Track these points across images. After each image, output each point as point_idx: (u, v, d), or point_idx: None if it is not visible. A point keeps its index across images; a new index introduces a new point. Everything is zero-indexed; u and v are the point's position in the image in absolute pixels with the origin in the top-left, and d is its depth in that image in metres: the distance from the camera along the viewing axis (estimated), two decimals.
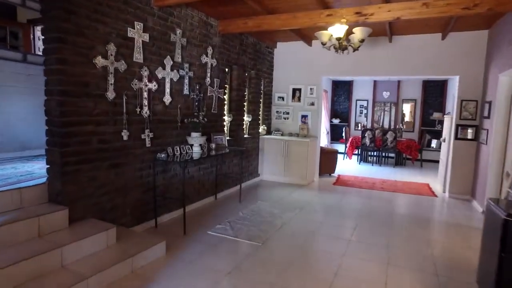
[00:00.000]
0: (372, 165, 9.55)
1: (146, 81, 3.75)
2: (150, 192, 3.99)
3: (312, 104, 7.04)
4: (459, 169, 6.07)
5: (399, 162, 9.64)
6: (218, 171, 5.42)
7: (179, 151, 4.27)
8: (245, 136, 6.33)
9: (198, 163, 4.73)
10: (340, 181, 7.13)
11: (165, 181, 4.24)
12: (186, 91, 4.45)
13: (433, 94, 11.11)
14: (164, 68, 4.03)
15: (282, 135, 7.10)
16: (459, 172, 6.07)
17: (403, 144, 9.39)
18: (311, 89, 7.03)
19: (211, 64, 5.00)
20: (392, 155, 9.83)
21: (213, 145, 4.86)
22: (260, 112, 6.96)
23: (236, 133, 5.96)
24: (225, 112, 5.66)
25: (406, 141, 9.45)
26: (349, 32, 3.94)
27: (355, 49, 3.80)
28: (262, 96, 6.99)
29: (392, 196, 6.08)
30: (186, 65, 4.41)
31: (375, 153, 9.82)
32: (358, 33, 3.58)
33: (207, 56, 4.88)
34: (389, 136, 9.32)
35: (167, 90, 4.11)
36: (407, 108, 11.58)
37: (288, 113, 7.25)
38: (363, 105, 12.02)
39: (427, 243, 3.92)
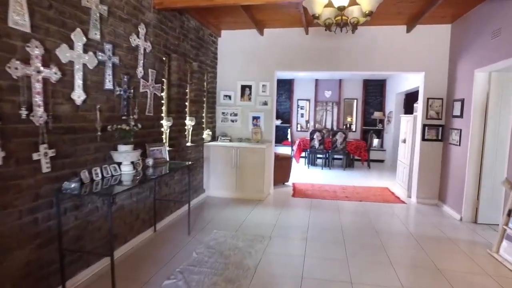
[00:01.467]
0: (322, 168, 8.91)
1: (39, 64, 2.26)
2: (53, 245, 2.50)
3: (265, 103, 6.00)
4: (426, 172, 5.59)
5: (348, 164, 9.17)
6: (157, 194, 4.04)
7: (100, 175, 2.84)
8: (187, 144, 5.02)
9: (130, 189, 3.32)
10: (298, 192, 6.21)
11: (78, 222, 2.76)
12: (109, 85, 3.02)
13: (373, 93, 10.99)
14: (71, 47, 2.57)
15: (230, 141, 5.92)
16: (427, 176, 5.59)
17: (352, 145, 8.93)
18: (263, 86, 5.99)
19: (145, 49, 3.62)
20: (340, 156, 9.33)
21: (150, 161, 3.49)
22: (204, 114, 5.69)
23: (178, 142, 4.62)
24: (163, 115, 4.29)
25: (355, 142, 9.01)
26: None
27: (354, 27, 2.82)
28: (205, 94, 5.72)
29: (361, 207, 5.34)
30: (109, 47, 2.98)
31: (323, 156, 9.20)
32: (365, 3, 2.60)
33: (138, 36, 3.48)
34: (339, 137, 8.77)
35: (78, 81, 2.65)
36: (349, 108, 11.30)
37: (236, 115, 6.10)
38: (302, 106, 11.43)
39: (439, 272, 3.14)
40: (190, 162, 3.87)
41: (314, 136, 8.85)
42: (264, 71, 5.94)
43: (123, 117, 3.25)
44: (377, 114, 10.77)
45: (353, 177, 7.97)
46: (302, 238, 3.95)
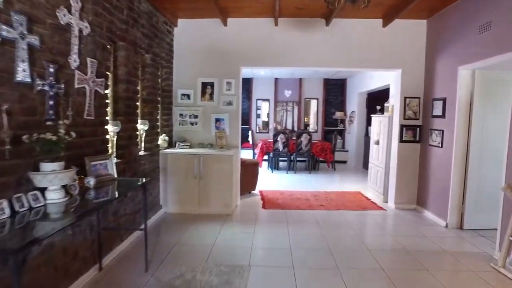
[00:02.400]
0: (287, 172, 8.35)
1: None
2: None
3: (230, 103, 5.24)
4: (404, 176, 5.22)
5: (313, 166, 8.71)
6: (102, 220, 3.10)
7: (7, 211, 1.90)
8: (140, 153, 4.10)
9: (60, 224, 2.36)
10: (268, 202, 5.54)
11: None
12: (23, 76, 2.07)
13: (334, 92, 10.71)
14: None
15: (190, 147, 5.08)
16: (405, 179, 5.22)
17: (317, 147, 8.48)
18: (227, 83, 5.22)
19: (80, 31, 2.68)
20: (304, 159, 8.85)
21: (91, 181, 2.57)
22: (159, 117, 4.78)
23: (128, 151, 3.69)
24: (108, 118, 3.34)
25: (321, 144, 8.58)
26: None
27: (366, 3, 2.19)
28: (160, 93, 4.82)
29: (339, 217, 4.80)
30: (20, 19, 2.03)
31: (286, 158, 8.63)
32: None
33: (70, 12, 2.54)
34: (304, 139, 8.27)
35: None
36: (309, 108, 10.91)
37: (196, 117, 5.26)
38: (259, 107, 10.83)
39: None
40: (145, 179, 2.99)
41: (278, 138, 8.26)
42: (228, 67, 5.18)
43: (49, 123, 2.31)
44: (338, 114, 10.50)
45: (321, 181, 7.50)
46: (287, 265, 3.26)
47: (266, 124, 11.01)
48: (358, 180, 7.62)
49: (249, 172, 6.02)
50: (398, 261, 3.41)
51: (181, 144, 5.03)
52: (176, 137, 5.25)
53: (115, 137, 3.43)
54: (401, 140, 5.17)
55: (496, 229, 4.36)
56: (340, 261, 3.33)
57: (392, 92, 6.44)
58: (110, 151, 3.33)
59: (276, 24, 5.03)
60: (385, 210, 5.19)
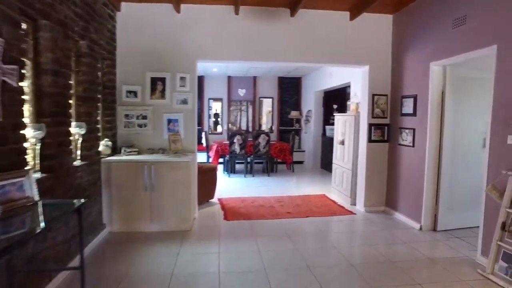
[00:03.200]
0: (244, 176, 7.79)
1: None
2: None
3: (185, 102, 4.55)
4: (373, 177, 4.96)
5: (271, 168, 8.28)
6: (18, 259, 2.27)
7: None
8: (75, 163, 3.26)
9: None
10: (230, 212, 4.94)
11: None
12: None
13: (289, 91, 10.41)
14: None
15: (139, 153, 4.30)
16: (374, 181, 4.96)
17: (276, 148, 8.05)
18: (181, 79, 4.52)
19: None
20: (261, 161, 8.37)
21: None
22: (99, 118, 3.94)
23: (58, 162, 2.86)
24: (24, 120, 2.49)
25: (279, 145, 8.16)
26: None
27: None
28: (101, 89, 3.98)
29: (311, 225, 4.38)
30: None
31: (243, 161, 8.07)
32: None
33: None
34: (262, 140, 7.78)
35: None
36: (262, 107, 10.48)
37: (145, 118, 4.49)
38: (211, 107, 10.16)
39: None
40: (82, 201, 2.24)
41: (235, 140, 7.68)
42: (182, 60, 4.48)
43: None
44: (293, 114, 10.21)
45: (282, 184, 7.07)
46: None
47: (219, 125, 10.37)
48: (319, 182, 7.33)
49: (207, 178, 5.36)
50: (387, 276, 3.02)
51: (128, 150, 4.23)
52: (122, 142, 4.42)
53: (39, 144, 2.60)
54: (370, 140, 4.89)
55: (468, 228, 4.28)
56: (325, 283, 2.86)
57: (353, 90, 6.21)
58: (30, 164, 2.50)
59: (237, 13, 4.45)
60: (355, 214, 4.88)
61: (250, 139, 8.43)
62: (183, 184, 4.06)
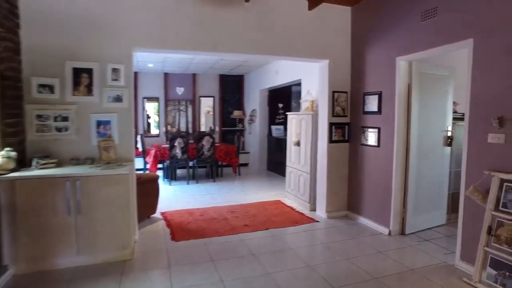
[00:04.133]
0: (187, 183, 6.96)
1: None
2: None
3: (118, 99, 3.63)
4: (335, 180, 4.59)
5: (216, 173, 7.57)
6: None
7: None
8: None
9: None
10: (178, 230, 4.14)
11: None
12: None
13: (231, 90, 9.78)
14: None
15: (58, 165, 3.29)
16: (335, 184, 4.59)
17: (221, 151, 7.36)
18: (114, 71, 3.59)
19: None
20: (204, 165, 7.61)
21: None
22: None
23: None
24: None
25: (224, 147, 7.48)
26: None
27: None
28: None
29: (274, 240, 3.82)
30: None
31: (186, 166, 7.22)
32: None
33: None
34: (206, 142, 7.03)
35: None
36: (205, 107, 9.69)
37: (67, 119, 3.47)
38: (144, 107, 9.09)
39: None
40: None
41: (176, 143, 6.80)
42: (114, 47, 3.56)
43: None
44: (236, 113, 9.61)
45: (230, 190, 6.42)
46: None
47: (156, 127, 9.31)
48: (270, 185, 6.84)
49: (148, 190, 4.48)
50: None
51: (42, 162, 3.19)
52: (33, 151, 3.35)
53: None
54: (331, 141, 4.51)
55: (431, 228, 4.13)
56: None
57: (305, 88, 5.84)
58: None
59: None
60: (317, 221, 4.45)
61: (191, 141, 7.64)
62: (121, 202, 3.18)
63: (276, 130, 8.63)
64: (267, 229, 4.17)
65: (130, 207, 3.32)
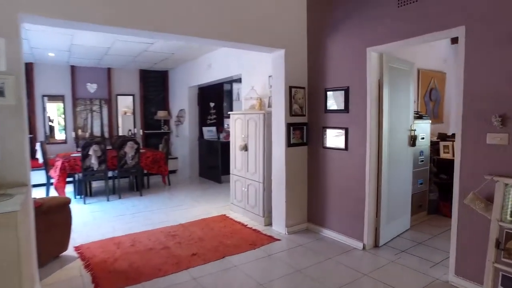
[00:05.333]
0: (108, 199, 5.55)
1: None
2: None
3: None
4: (295, 189, 3.90)
5: (142, 184, 6.28)
6: None
7: None
8: None
9: None
10: (101, 274, 2.94)
11: None
12: None
13: (154, 87, 8.44)
14: None
15: None
16: (295, 194, 3.91)
17: (148, 159, 6.10)
18: None
19: None
20: (126, 175, 6.25)
21: None
22: None
23: None
24: None
25: (151, 153, 6.22)
26: None
27: None
28: None
29: (237, 273, 2.94)
30: None
31: (103, 179, 5.77)
32: None
33: None
34: (129, 149, 5.71)
35: None
36: (123, 107, 8.16)
37: None
38: (46, 107, 7.23)
39: None
40: None
41: (90, 151, 5.33)
42: None
43: None
44: (161, 114, 8.32)
45: (162, 205, 5.27)
46: None
47: (61, 131, 7.47)
48: (207, 195, 5.87)
49: (55, 222, 3.15)
50: None
51: None
52: None
53: None
54: (290, 144, 3.80)
55: (398, 236, 3.74)
56: None
57: (248, 84, 5.05)
58: None
59: None
60: (278, 240, 3.68)
61: (110, 148, 6.22)
62: (5, 257, 1.92)
63: (208, 132, 7.67)
64: (222, 257, 3.25)
65: (20, 258, 2.07)
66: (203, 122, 7.76)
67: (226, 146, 6.87)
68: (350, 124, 3.46)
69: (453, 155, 4.87)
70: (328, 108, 3.67)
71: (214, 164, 7.09)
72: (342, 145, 3.53)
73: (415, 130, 3.84)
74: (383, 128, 3.33)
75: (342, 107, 3.50)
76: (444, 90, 5.49)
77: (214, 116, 7.90)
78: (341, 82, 3.52)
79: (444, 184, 4.58)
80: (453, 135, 5.36)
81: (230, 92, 8.96)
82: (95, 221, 4.45)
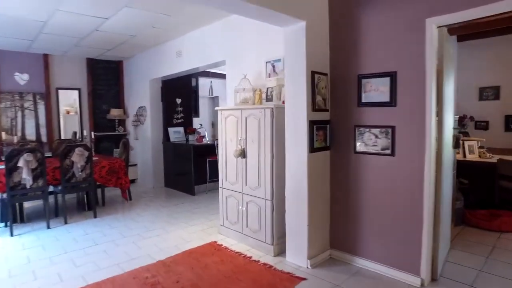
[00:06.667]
0: (48, 226, 4.07)
1: None
2: None
3: None
4: (317, 208, 2.93)
5: (96, 201, 4.84)
6: None
7: None
8: None
9: None
10: None
11: None
12: None
13: (106, 80, 6.91)
14: None
15: None
16: (318, 214, 2.93)
17: (103, 169, 4.69)
18: None
19: None
20: (71, 192, 4.78)
21: None
22: None
23: None
24: None
25: (107, 162, 4.81)
26: None
27: None
28: None
29: None
30: None
31: (41, 198, 4.25)
32: None
33: None
34: (77, 157, 4.27)
35: None
36: (66, 105, 6.52)
37: None
38: None
39: None
40: None
41: (21, 163, 3.82)
42: None
43: None
44: (115, 112, 6.83)
45: (127, 230, 3.97)
46: None
47: None
48: (181, 213, 4.66)
49: None
50: None
51: None
52: None
53: None
54: (313, 149, 2.81)
55: (447, 261, 2.91)
56: None
57: (238, 72, 3.98)
58: None
59: None
60: (305, 279, 2.67)
61: (50, 155, 4.74)
62: None
63: (175, 133, 6.41)
64: None
65: None
66: (168, 121, 6.46)
67: (200, 150, 5.70)
68: (398, 122, 2.56)
69: (480, 157, 4.29)
70: (363, 101, 2.74)
71: (184, 172, 5.86)
72: (387, 149, 2.63)
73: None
74: (444, 127, 2.50)
75: (385, 99, 2.60)
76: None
77: (182, 115, 6.64)
78: (384, 66, 2.61)
79: (464, 189, 3.96)
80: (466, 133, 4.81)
81: (195, 87, 7.79)
82: (28, 266, 3.03)
